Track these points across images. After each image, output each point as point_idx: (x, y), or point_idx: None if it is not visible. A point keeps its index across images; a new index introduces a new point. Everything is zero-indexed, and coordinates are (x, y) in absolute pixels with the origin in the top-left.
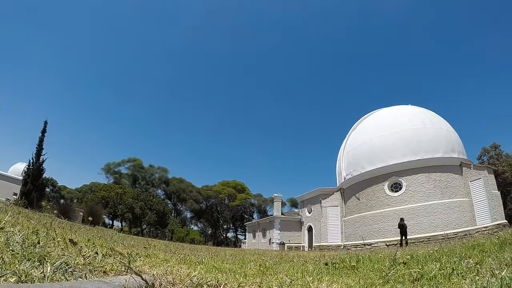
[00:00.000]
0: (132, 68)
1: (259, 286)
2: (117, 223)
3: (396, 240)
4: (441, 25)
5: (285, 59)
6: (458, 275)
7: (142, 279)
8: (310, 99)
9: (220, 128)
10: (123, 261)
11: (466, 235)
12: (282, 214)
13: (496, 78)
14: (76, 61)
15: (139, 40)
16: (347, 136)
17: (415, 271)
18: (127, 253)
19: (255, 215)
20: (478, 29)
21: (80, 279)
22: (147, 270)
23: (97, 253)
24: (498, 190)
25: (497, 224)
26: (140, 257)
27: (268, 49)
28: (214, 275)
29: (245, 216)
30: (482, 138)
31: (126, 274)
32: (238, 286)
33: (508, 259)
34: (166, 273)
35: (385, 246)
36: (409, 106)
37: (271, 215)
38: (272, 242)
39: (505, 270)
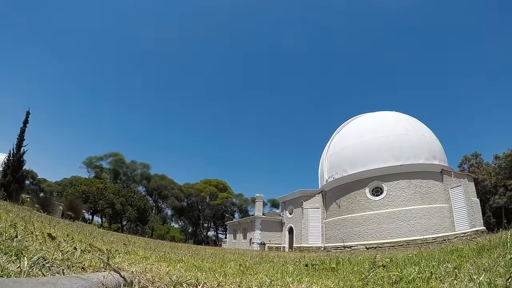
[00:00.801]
0: (117, 65)
1: (239, 286)
2: (97, 219)
3: (375, 243)
4: (427, 33)
5: (275, 61)
6: (436, 279)
7: (121, 276)
8: (296, 101)
9: (205, 126)
10: (101, 257)
11: (445, 240)
12: (263, 214)
13: (482, 90)
14: (61, 54)
15: (117, 37)
16: (330, 139)
17: (394, 274)
18: (106, 249)
19: (236, 215)
20: (464, 38)
21: (58, 274)
22: (126, 267)
23: (75, 248)
24: (478, 198)
25: (476, 231)
26: (119, 254)
27: (266, 49)
28: (193, 274)
29: (226, 215)
30: (463, 146)
31: (104, 271)
32: (217, 285)
33: (486, 264)
34: (145, 270)
35: (365, 249)
36: (393, 112)
37: (252, 215)
38: (253, 242)
39: (482, 275)
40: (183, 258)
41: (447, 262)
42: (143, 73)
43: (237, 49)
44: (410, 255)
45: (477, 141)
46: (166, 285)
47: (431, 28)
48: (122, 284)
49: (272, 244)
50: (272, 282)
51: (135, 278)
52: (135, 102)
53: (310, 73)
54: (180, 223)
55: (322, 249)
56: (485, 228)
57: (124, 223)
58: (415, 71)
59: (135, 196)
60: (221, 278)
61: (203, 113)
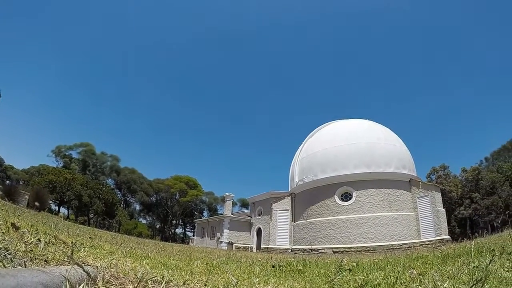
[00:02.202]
0: (94, 58)
1: (205, 285)
2: (63, 210)
3: (342, 247)
4: (401, 46)
5: (255, 62)
6: (401, 284)
7: (84, 270)
8: (272, 102)
9: (178, 122)
10: (65, 250)
11: (410, 247)
12: (232, 214)
13: (455, 105)
14: (29, 37)
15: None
16: (303, 143)
17: (360, 278)
18: (71, 242)
19: (205, 213)
20: (437, 52)
21: (19, 266)
22: (91, 262)
23: (39, 240)
24: (444, 208)
25: (441, 239)
26: (84, 248)
27: (256, 54)
28: (159, 271)
29: (195, 213)
30: (432, 158)
31: (68, 265)
32: (183, 284)
33: (450, 272)
34: (110, 266)
35: (332, 253)
36: (366, 120)
37: (221, 214)
38: (221, 241)
39: (447, 282)
40: (150, 254)
41: (412, 268)
42: (118, 63)
43: (214, 48)
44: (376, 260)
45: (446, 153)
46: (131, 281)
47: (407, 40)
48: (85, 279)
49: (240, 244)
50: (239, 282)
51: (99, 273)
52: (108, 94)
53: (290, 77)
54: (148, 219)
55: (290, 251)
56: (450, 237)
57: (91, 216)
58: (389, 83)
59: (104, 188)
60: (188, 276)
61: (177, 109)
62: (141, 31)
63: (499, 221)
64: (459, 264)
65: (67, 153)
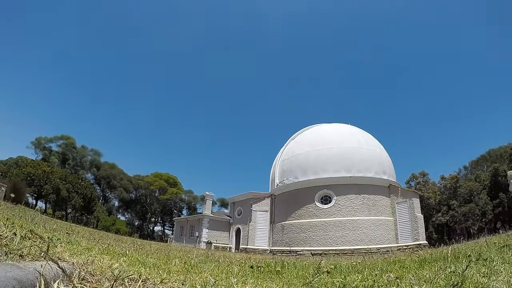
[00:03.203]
0: (78, 50)
1: (183, 284)
2: (41, 204)
3: (321, 249)
4: (387, 54)
5: (239, 62)
6: (379, 287)
7: (59, 266)
8: (255, 103)
9: (161, 119)
10: (41, 245)
11: (388, 251)
12: (211, 213)
13: (437, 114)
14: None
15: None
16: (285, 145)
17: (338, 281)
18: (48, 237)
19: (184, 211)
20: (421, 57)
21: None
22: (67, 258)
23: (15, 234)
24: (422, 214)
25: (418, 244)
26: (61, 243)
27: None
28: (137, 269)
29: (174, 211)
30: (412, 164)
31: (44, 260)
32: (161, 282)
33: (427, 276)
34: (87, 262)
35: (310, 255)
36: (348, 125)
37: (201, 213)
38: (200, 241)
39: (423, 286)
40: (127, 252)
41: (390, 272)
42: (100, 54)
43: (200, 48)
44: (354, 263)
45: (425, 161)
46: (107, 279)
47: (390, 46)
48: (61, 276)
49: (219, 243)
50: (217, 282)
51: (75, 270)
52: (95, 87)
53: (274, 79)
54: (126, 216)
55: (268, 252)
56: (427, 242)
57: (69, 211)
58: (373, 89)
59: (83, 183)
60: (165, 275)
61: (160, 107)
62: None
63: (476, 228)
64: (436, 268)
65: (47, 145)
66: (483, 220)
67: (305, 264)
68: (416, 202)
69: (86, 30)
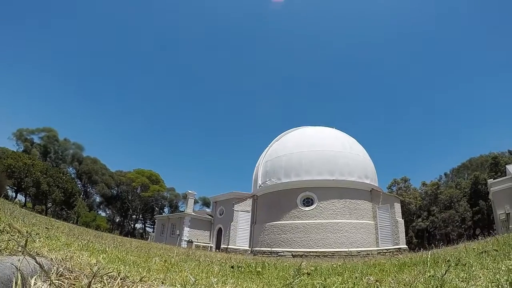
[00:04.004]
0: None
1: (162, 283)
2: (21, 197)
3: (302, 251)
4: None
5: (224, 61)
6: None
7: (36, 262)
8: (240, 104)
9: (146, 115)
10: (18, 240)
11: (368, 254)
12: (193, 212)
13: (420, 120)
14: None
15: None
16: (269, 146)
17: (318, 282)
18: (27, 231)
19: (166, 209)
20: (407, 63)
21: None
22: (46, 254)
23: None
24: (403, 219)
25: (398, 248)
26: (40, 238)
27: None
28: (116, 266)
29: (156, 208)
30: (395, 170)
31: (21, 255)
32: (140, 280)
33: (406, 280)
34: (65, 258)
35: (291, 256)
36: (333, 129)
37: (182, 211)
38: (181, 239)
39: None
40: (107, 249)
41: (370, 275)
42: (85, 46)
43: (184, 49)
44: (334, 266)
45: (408, 167)
46: (86, 276)
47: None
48: (38, 271)
49: (200, 242)
50: (197, 281)
51: (53, 266)
52: (78, 80)
53: (261, 79)
54: (107, 212)
55: (249, 252)
56: (407, 247)
57: (49, 205)
58: (358, 94)
59: (64, 177)
60: (145, 273)
61: (145, 103)
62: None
63: (455, 234)
64: (416, 272)
65: (28, 137)
66: (463, 226)
67: (286, 265)
68: (397, 207)
69: (72, 22)
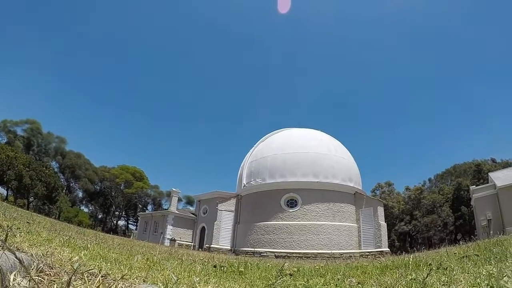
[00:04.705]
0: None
1: (144, 281)
2: (2, 190)
3: (285, 252)
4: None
5: (213, 60)
6: None
7: (16, 257)
8: (226, 104)
9: (131, 112)
10: (0, 234)
11: (351, 256)
12: (177, 210)
13: (406, 126)
14: None
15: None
16: (254, 146)
17: (301, 284)
18: (7, 225)
19: (149, 207)
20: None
21: None
22: (26, 249)
23: None
24: (385, 222)
25: (381, 251)
26: (21, 233)
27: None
28: (98, 263)
29: (139, 205)
30: (379, 174)
31: (0, 250)
32: (121, 278)
33: (388, 282)
34: (46, 254)
35: (274, 257)
36: (318, 131)
37: (166, 209)
38: (164, 237)
39: None
40: (89, 245)
41: (352, 277)
42: (71, 37)
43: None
44: (317, 267)
45: (392, 171)
46: (66, 272)
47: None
48: (18, 267)
49: (183, 241)
50: (179, 280)
51: (33, 262)
52: (66, 73)
53: (249, 79)
54: (90, 208)
55: (232, 252)
56: (389, 250)
57: (31, 199)
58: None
59: (47, 171)
60: (126, 270)
61: (133, 101)
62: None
63: (437, 238)
64: (397, 275)
65: (12, 129)
66: (445, 231)
67: (269, 265)
68: (380, 210)
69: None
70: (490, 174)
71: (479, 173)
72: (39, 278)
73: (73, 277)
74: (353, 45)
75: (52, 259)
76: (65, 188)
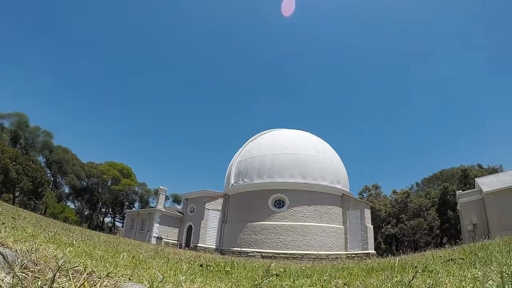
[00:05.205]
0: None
1: (129, 279)
2: None
3: (271, 252)
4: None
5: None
6: None
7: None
8: (215, 103)
9: (120, 107)
10: None
11: (337, 258)
12: (164, 208)
13: (394, 131)
14: None
15: None
16: (243, 146)
17: (287, 284)
18: None
19: (136, 204)
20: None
21: None
22: (11, 244)
23: None
24: (372, 224)
25: (367, 253)
26: (5, 228)
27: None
28: (83, 260)
29: (126, 203)
30: (366, 177)
31: None
32: (106, 276)
33: (374, 284)
34: (31, 250)
35: (261, 257)
36: (308, 133)
37: (153, 207)
38: (150, 235)
39: None
40: (75, 242)
41: (338, 278)
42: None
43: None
44: (303, 268)
45: (380, 174)
46: (51, 269)
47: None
48: (2, 263)
49: (169, 239)
50: (165, 278)
51: (18, 258)
52: (56, 68)
53: (237, 80)
54: (76, 204)
55: (219, 251)
56: (375, 252)
57: (16, 194)
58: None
59: (33, 165)
60: (112, 268)
61: (120, 97)
62: None
63: (423, 242)
64: (383, 277)
65: None
66: (431, 234)
67: (255, 265)
68: (367, 212)
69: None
70: (477, 179)
71: (466, 179)
72: (23, 274)
73: (58, 274)
74: (349, 46)
75: (37, 255)
76: (51, 184)
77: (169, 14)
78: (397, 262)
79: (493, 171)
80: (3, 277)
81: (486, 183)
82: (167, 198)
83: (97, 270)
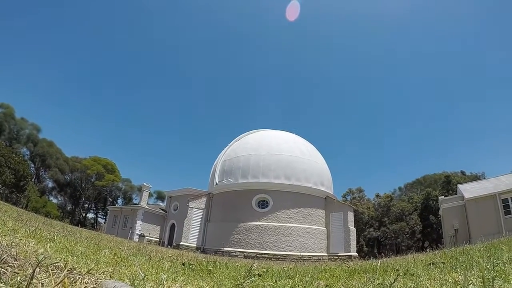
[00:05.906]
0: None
1: (110, 276)
2: None
3: (254, 252)
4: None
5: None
6: None
7: None
8: (201, 101)
9: (106, 103)
10: None
11: (319, 259)
12: (147, 205)
13: (383, 134)
14: None
15: None
16: (228, 145)
17: (269, 284)
18: None
19: (119, 200)
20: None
21: None
22: None
23: None
24: (355, 227)
25: (349, 255)
26: None
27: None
28: (64, 256)
29: (109, 199)
30: (350, 180)
31: None
32: (87, 272)
33: (356, 286)
34: (11, 244)
35: (243, 257)
36: (293, 134)
37: (136, 204)
38: (133, 232)
39: None
40: (56, 237)
41: (320, 279)
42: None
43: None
44: (286, 268)
45: (363, 178)
46: (31, 264)
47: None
48: None
49: (152, 237)
50: (146, 276)
51: None
52: (45, 60)
53: (224, 80)
54: (59, 199)
55: (201, 250)
56: (357, 254)
57: None
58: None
59: (16, 158)
60: (93, 265)
61: (108, 93)
62: None
63: (405, 245)
64: (365, 279)
65: None
66: (412, 238)
67: (238, 265)
68: (350, 215)
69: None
70: (459, 186)
71: (448, 184)
72: (2, 269)
73: (38, 270)
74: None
75: (17, 250)
76: (34, 177)
77: (168, 13)
78: (379, 264)
79: (475, 178)
80: None
81: (468, 190)
82: (150, 195)
83: (78, 267)
